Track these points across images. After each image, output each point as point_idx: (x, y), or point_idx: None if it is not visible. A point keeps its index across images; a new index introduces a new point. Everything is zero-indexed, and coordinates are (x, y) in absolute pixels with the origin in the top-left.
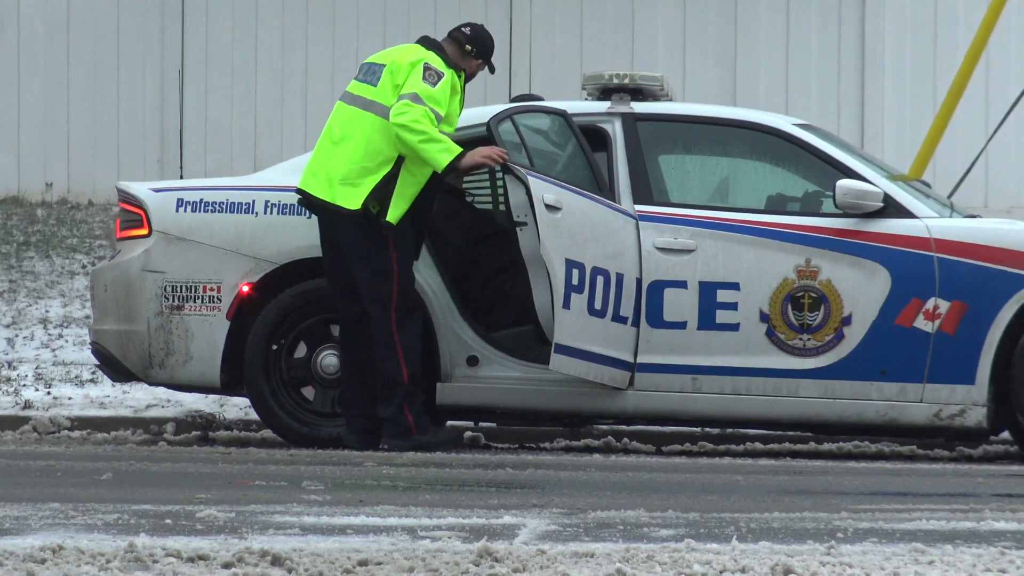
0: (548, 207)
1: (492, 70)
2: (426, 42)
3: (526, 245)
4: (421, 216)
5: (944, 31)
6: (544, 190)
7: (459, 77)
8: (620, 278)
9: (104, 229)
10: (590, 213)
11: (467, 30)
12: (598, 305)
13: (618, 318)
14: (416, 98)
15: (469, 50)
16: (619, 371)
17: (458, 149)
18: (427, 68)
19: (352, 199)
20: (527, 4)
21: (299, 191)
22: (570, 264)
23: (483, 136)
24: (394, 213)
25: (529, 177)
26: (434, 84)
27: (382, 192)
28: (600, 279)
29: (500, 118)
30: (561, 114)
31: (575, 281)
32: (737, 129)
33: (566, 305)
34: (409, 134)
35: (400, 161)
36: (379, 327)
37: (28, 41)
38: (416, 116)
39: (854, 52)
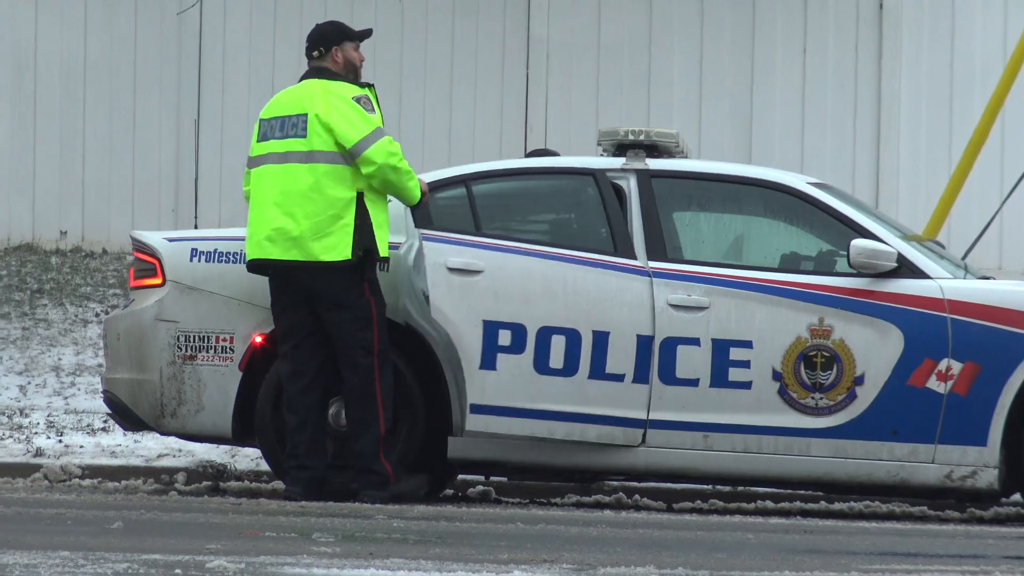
0: (455, 271)
1: (365, 35)
2: (317, 73)
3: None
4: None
5: (960, 91)
6: (450, 253)
7: (371, 90)
8: (603, 336)
9: (118, 278)
10: (546, 272)
11: (307, 40)
12: (556, 363)
13: (605, 376)
14: (382, 132)
15: (323, 51)
16: (630, 429)
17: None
18: (358, 100)
19: (338, 250)
20: (544, 58)
21: (254, 261)
22: (494, 325)
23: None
24: (382, 247)
25: (424, 240)
26: (374, 111)
27: (364, 235)
28: (560, 338)
29: (446, 183)
30: (591, 174)
31: (505, 341)
32: (752, 187)
33: (488, 366)
34: (398, 175)
35: (360, 196)
36: (360, 376)
37: (45, 88)
38: (399, 155)
39: (870, 111)
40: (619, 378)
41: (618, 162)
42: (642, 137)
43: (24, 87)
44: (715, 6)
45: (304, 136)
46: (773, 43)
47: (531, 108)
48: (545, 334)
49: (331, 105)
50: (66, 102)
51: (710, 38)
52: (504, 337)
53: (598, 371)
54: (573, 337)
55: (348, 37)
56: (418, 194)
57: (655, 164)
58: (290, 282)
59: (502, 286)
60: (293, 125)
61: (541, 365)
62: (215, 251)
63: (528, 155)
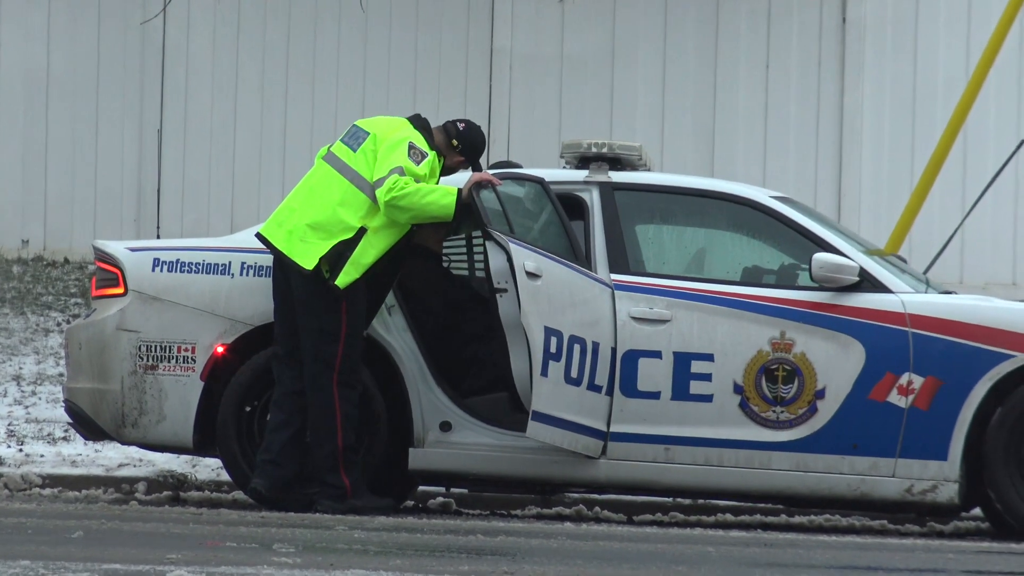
0: (528, 274)
1: (476, 171)
2: (416, 120)
3: (505, 312)
4: (380, 287)
5: (923, 107)
6: (525, 257)
7: (439, 161)
8: (596, 347)
9: (80, 287)
10: (568, 281)
11: (461, 125)
12: (574, 373)
13: (593, 387)
14: (401, 171)
15: (455, 145)
16: (592, 439)
17: (454, 189)
18: (412, 147)
19: (307, 258)
20: (507, 71)
21: (260, 236)
22: (549, 332)
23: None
24: (343, 279)
25: (511, 244)
26: (417, 163)
27: (335, 257)
28: (577, 347)
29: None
30: (538, 182)
31: (553, 349)
32: (714, 200)
33: (544, 373)
34: (407, 200)
35: (361, 232)
36: (319, 387)
37: (7, 98)
38: (401, 184)
39: (832, 126)
40: (599, 389)
41: (581, 175)
42: (605, 150)
43: None
44: (679, 20)
45: (354, 151)
46: (736, 57)
47: (494, 120)
48: (570, 343)
49: (390, 137)
50: (28, 112)
51: (673, 51)
52: (552, 344)
53: (591, 381)
54: (583, 346)
55: (464, 153)
56: (444, 203)
57: (618, 177)
58: (284, 280)
59: (553, 292)
60: (357, 138)
61: (567, 374)
62: (177, 261)
63: (491, 167)
